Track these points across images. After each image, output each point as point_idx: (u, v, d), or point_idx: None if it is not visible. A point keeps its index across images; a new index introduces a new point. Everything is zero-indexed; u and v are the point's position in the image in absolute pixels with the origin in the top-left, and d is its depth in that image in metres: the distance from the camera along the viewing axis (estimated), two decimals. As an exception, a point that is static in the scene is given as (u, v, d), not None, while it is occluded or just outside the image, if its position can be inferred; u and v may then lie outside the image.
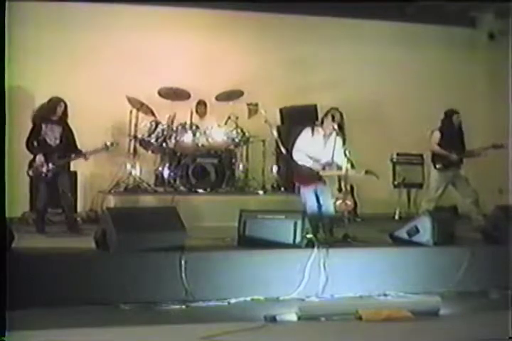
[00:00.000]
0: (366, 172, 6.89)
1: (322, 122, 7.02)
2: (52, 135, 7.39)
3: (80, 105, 8.38)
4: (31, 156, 8.84)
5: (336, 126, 6.89)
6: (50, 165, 7.31)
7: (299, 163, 6.98)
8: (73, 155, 7.49)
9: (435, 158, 8.57)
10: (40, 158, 7.30)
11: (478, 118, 11.01)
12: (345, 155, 6.72)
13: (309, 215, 6.69)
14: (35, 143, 7.38)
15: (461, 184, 8.48)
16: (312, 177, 6.90)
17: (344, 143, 6.94)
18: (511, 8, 9.76)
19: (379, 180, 7.25)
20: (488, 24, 11.03)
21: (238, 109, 9.68)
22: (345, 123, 7.11)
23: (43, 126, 7.38)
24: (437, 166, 8.50)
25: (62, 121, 7.48)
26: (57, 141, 7.39)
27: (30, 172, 7.38)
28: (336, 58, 10.58)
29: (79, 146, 7.58)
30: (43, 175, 7.31)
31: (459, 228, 7.04)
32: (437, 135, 8.59)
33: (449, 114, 8.67)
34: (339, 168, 6.79)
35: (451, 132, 8.59)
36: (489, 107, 11.02)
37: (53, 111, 7.40)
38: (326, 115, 7.03)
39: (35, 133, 7.40)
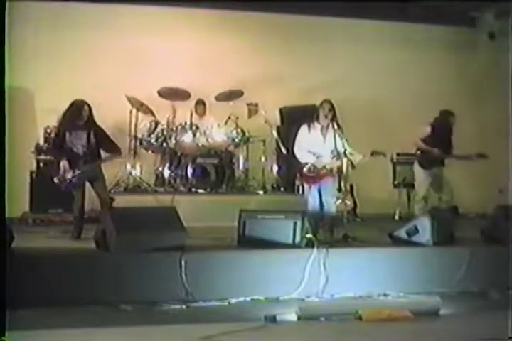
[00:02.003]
0: (372, 153, 6.85)
1: (317, 116, 7.03)
2: (79, 142, 6.96)
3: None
4: (32, 156, 8.92)
5: (330, 118, 6.89)
6: (76, 170, 6.91)
7: (302, 160, 6.98)
8: (101, 159, 7.12)
9: (419, 155, 8.54)
10: (64, 163, 6.88)
11: (477, 118, 11.02)
12: (346, 155, 6.73)
13: (310, 213, 6.70)
14: (59, 152, 6.99)
15: (440, 181, 8.42)
16: (315, 174, 6.89)
17: (342, 132, 6.93)
18: (511, 8, 9.76)
19: (381, 179, 7.23)
20: (488, 24, 11.03)
21: (238, 109, 9.68)
22: (339, 115, 7.07)
23: (67, 134, 6.94)
24: (422, 164, 8.45)
25: (89, 124, 7.01)
26: (84, 148, 6.96)
27: (56, 180, 6.95)
28: (336, 58, 10.59)
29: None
30: (68, 181, 6.92)
31: (458, 228, 7.04)
32: (427, 130, 8.55)
33: (445, 115, 8.64)
34: (344, 157, 6.76)
35: (443, 131, 8.56)
36: (489, 107, 11.01)
37: (78, 116, 6.95)
38: (319, 108, 7.04)
39: (58, 141, 7.02)
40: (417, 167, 8.59)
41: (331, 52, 10.60)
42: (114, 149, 7.22)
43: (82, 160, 6.97)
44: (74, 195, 7.06)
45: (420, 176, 8.54)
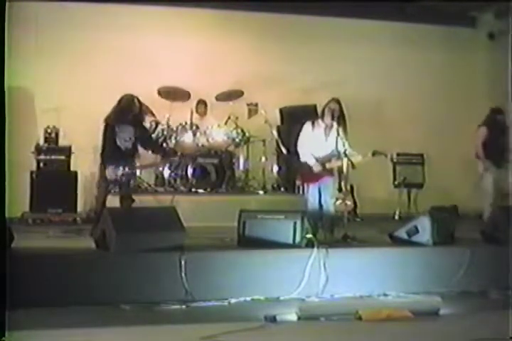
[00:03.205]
0: (373, 153, 6.84)
1: (323, 114, 7.02)
2: (122, 136, 6.90)
3: (79, 105, 8.40)
4: (32, 156, 8.92)
5: (335, 117, 6.87)
6: (126, 168, 6.89)
7: (303, 159, 6.97)
8: (156, 159, 7.41)
9: (486, 154, 8.51)
10: (109, 168, 6.83)
11: (477, 118, 11.01)
12: (346, 155, 6.73)
13: (310, 213, 6.70)
14: (111, 151, 6.91)
15: None
16: (316, 173, 6.89)
17: (346, 133, 6.91)
18: (511, 8, 9.76)
19: (381, 179, 7.22)
20: (488, 24, 11.04)
21: (238, 109, 9.68)
22: (345, 113, 7.09)
23: (116, 128, 6.88)
24: (494, 164, 8.47)
25: (136, 120, 7.04)
26: (128, 144, 6.93)
27: (109, 176, 6.86)
28: (336, 58, 10.59)
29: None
30: (118, 179, 6.90)
31: (459, 228, 7.04)
32: (484, 132, 8.56)
33: (493, 113, 8.68)
34: (344, 157, 6.75)
35: (496, 130, 8.56)
36: (489, 107, 11.00)
37: (128, 110, 6.93)
38: (325, 107, 7.02)
39: (110, 140, 6.91)
40: (485, 171, 8.58)
41: (331, 52, 10.59)
42: (159, 150, 7.46)
43: (125, 157, 6.95)
44: (100, 193, 7.11)
45: (490, 180, 8.55)
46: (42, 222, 8.56)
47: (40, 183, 8.69)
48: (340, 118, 6.93)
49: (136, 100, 7.02)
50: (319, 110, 7.24)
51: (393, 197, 10.04)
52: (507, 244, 6.36)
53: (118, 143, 6.93)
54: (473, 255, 6.38)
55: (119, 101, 7.04)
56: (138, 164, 7.25)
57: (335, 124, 6.88)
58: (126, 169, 6.94)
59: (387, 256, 6.31)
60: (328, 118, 6.93)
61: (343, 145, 6.79)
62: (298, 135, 7.09)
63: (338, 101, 6.98)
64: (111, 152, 6.93)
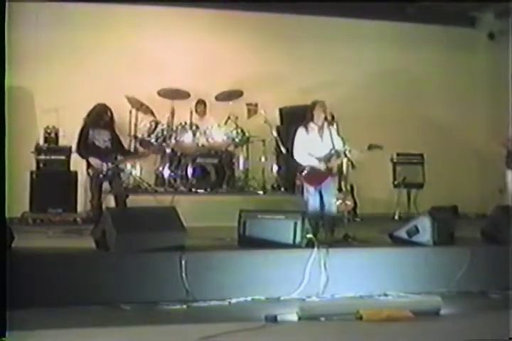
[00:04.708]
0: (369, 147, 6.84)
1: (312, 117, 7.02)
2: (100, 138, 7.50)
3: (79, 105, 8.36)
4: (32, 157, 8.93)
5: (326, 116, 6.91)
6: (109, 164, 7.40)
7: (303, 163, 6.97)
8: (129, 156, 7.90)
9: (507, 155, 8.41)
10: (93, 160, 7.37)
11: (477, 118, 11.03)
12: (345, 155, 6.73)
13: (310, 214, 6.70)
14: (85, 148, 7.48)
15: None
16: (318, 175, 6.89)
17: (338, 129, 6.92)
18: (511, 8, 9.77)
19: (381, 179, 7.21)
20: (488, 24, 11.04)
21: (238, 109, 9.68)
22: (335, 116, 7.18)
23: (90, 131, 7.48)
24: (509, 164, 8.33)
25: (109, 126, 7.61)
26: (107, 144, 7.52)
27: (91, 172, 7.40)
28: (336, 58, 10.59)
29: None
30: (104, 173, 7.37)
31: (458, 228, 7.04)
32: None
33: None
34: (344, 156, 6.77)
35: None
36: (489, 107, 11.02)
37: (100, 118, 7.53)
38: (313, 109, 7.03)
39: (83, 138, 7.50)
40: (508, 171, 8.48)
41: (331, 52, 10.60)
42: (125, 153, 7.87)
43: (111, 155, 7.46)
44: (93, 190, 7.46)
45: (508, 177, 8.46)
46: (42, 222, 8.56)
47: (40, 183, 8.69)
48: (330, 117, 6.96)
49: (108, 110, 7.57)
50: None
51: (393, 197, 10.03)
52: (507, 244, 6.36)
53: (97, 143, 7.46)
54: (473, 255, 6.38)
55: (94, 109, 7.60)
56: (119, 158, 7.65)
57: (326, 124, 6.90)
58: (109, 164, 7.37)
59: (388, 256, 6.31)
60: (317, 119, 6.95)
61: (341, 140, 6.78)
62: (293, 141, 7.09)
63: (321, 102, 7.02)
64: (92, 150, 7.41)
